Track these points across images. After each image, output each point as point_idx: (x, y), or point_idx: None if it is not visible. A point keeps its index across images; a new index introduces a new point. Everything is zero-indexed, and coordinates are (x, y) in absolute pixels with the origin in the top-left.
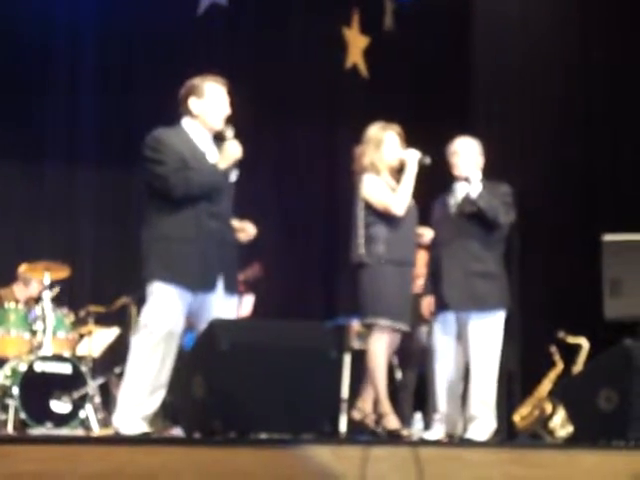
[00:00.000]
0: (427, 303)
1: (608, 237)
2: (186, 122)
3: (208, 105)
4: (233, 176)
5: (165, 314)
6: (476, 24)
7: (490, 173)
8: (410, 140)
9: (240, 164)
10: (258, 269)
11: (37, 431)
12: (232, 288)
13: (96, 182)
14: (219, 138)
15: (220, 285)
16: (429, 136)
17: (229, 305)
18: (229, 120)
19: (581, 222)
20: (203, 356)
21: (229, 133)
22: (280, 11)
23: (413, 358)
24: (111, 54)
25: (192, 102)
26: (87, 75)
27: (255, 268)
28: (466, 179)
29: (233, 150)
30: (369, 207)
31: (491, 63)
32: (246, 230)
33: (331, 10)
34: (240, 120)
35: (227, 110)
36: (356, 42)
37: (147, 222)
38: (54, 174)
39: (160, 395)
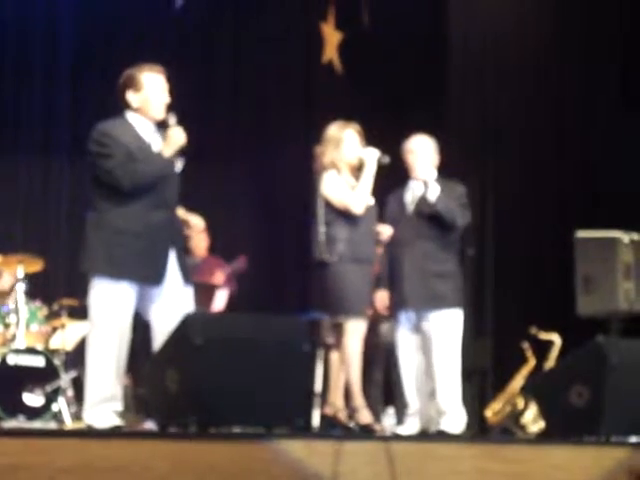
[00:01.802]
0: (380, 297)
1: (581, 234)
2: (129, 114)
3: (147, 97)
4: (179, 165)
5: (113, 310)
6: (451, 18)
7: (464, 171)
8: (384, 136)
9: (218, 160)
10: (244, 262)
11: (9, 424)
12: (187, 277)
13: (70, 175)
14: (163, 126)
15: (177, 276)
16: (402, 133)
17: (187, 294)
18: (171, 107)
19: (553, 219)
20: (177, 350)
21: (172, 120)
22: (257, 6)
23: (379, 354)
24: (88, 47)
25: (130, 96)
26: (63, 69)
27: (241, 261)
28: (424, 182)
29: (176, 137)
30: (329, 205)
31: (467, 60)
32: (189, 223)
33: (309, 5)
34: (217, 115)
35: (166, 98)
36: (332, 38)
37: (93, 215)
38: (28, 167)
39: (120, 387)
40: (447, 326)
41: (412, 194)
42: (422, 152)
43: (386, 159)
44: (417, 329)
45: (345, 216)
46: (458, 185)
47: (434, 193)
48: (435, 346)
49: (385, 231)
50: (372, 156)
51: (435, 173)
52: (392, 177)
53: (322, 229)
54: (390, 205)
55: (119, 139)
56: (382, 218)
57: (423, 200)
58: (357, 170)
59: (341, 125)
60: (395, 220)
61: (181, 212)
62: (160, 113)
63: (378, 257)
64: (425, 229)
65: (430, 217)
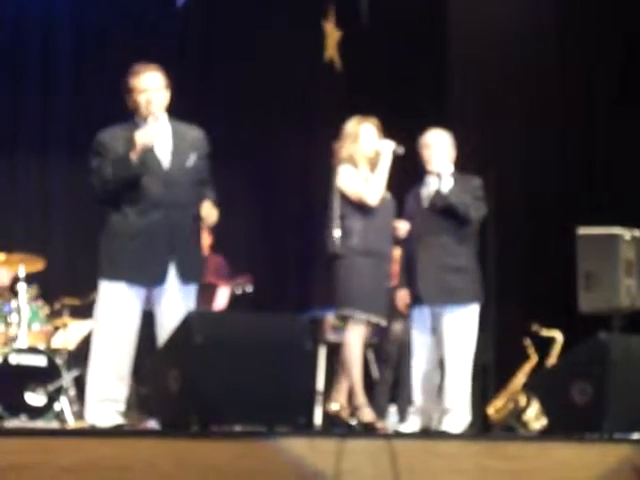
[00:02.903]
0: (401, 296)
1: (582, 231)
2: (135, 117)
3: (135, 99)
4: (190, 161)
5: (114, 311)
6: (452, 16)
7: (467, 167)
8: (385, 135)
9: (219, 158)
10: (247, 280)
11: (11, 424)
12: (188, 276)
13: (70, 174)
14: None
15: (174, 275)
16: (406, 129)
17: (186, 294)
18: (171, 104)
19: (555, 216)
20: (178, 349)
21: (151, 119)
22: (257, 5)
23: (391, 353)
24: (86, 47)
25: (127, 99)
26: (61, 68)
27: (244, 279)
28: (438, 175)
29: (141, 138)
30: (344, 198)
31: (468, 58)
32: (203, 213)
33: (309, 3)
34: (217, 114)
35: (155, 94)
36: (332, 36)
37: (105, 222)
38: (27, 166)
39: (124, 387)
40: (461, 323)
41: (428, 189)
42: (438, 146)
43: (401, 150)
44: (431, 325)
45: (360, 208)
46: (474, 178)
47: (447, 185)
48: (448, 343)
49: (402, 227)
50: (387, 147)
51: (451, 167)
52: (410, 175)
53: (337, 222)
54: (408, 201)
55: (111, 146)
56: (400, 216)
57: (438, 193)
58: (375, 165)
59: (358, 120)
60: (411, 216)
61: (205, 205)
62: (155, 111)
63: (398, 256)
64: (439, 222)
65: (444, 210)
